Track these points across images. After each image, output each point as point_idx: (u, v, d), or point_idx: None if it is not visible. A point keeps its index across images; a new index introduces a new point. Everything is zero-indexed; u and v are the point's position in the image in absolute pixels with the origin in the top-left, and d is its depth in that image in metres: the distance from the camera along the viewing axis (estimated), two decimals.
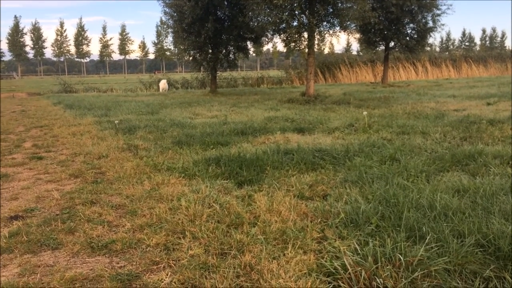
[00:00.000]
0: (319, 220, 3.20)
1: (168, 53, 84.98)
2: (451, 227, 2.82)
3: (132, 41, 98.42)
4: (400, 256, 2.45)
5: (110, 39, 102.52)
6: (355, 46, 77.96)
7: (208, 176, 4.55)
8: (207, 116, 10.22)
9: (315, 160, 5.04)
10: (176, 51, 23.18)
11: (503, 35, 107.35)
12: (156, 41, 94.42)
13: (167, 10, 18.11)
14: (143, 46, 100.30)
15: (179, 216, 3.36)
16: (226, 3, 17.30)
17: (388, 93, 15.77)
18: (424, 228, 2.81)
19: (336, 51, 59.75)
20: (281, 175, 4.52)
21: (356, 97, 14.08)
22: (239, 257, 2.65)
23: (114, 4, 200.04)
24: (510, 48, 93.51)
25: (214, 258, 2.65)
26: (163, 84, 23.16)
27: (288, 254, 2.65)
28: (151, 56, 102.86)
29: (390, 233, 2.80)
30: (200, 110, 11.58)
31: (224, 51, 18.98)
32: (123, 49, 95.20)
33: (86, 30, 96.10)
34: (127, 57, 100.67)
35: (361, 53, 35.11)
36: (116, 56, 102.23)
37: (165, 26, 20.71)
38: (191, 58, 19.57)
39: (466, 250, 2.55)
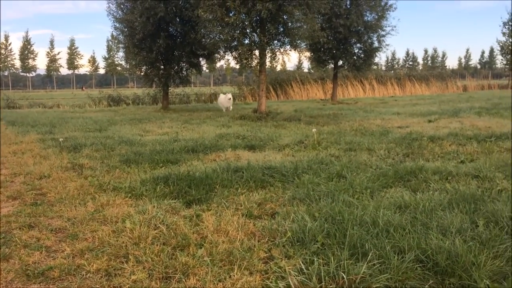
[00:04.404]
0: (266, 240, 3.20)
1: (119, 68, 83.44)
2: (393, 244, 2.91)
3: (82, 56, 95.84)
4: (343, 274, 2.49)
5: (58, 53, 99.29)
6: (306, 64, 79.95)
7: (155, 196, 4.45)
8: (157, 133, 10.05)
9: (264, 177, 5.06)
10: (127, 67, 22.66)
11: (444, 55, 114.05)
12: (107, 56, 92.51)
13: (117, 25, 17.82)
14: (93, 60, 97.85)
15: (123, 239, 3.25)
16: (178, 19, 17.26)
17: (337, 110, 16.24)
18: (367, 245, 2.88)
19: (288, 68, 60.92)
20: (230, 193, 4.50)
21: (306, 114, 14.38)
22: (184, 281, 2.59)
23: (63, 17, 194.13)
24: (450, 68, 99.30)
25: (158, 283, 2.58)
26: (225, 99, 17.08)
27: (234, 276, 2.62)
28: (102, 71, 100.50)
29: (334, 251, 2.84)
30: (150, 127, 11.38)
31: (176, 67, 18.86)
32: (71, 64, 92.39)
33: (33, 44, 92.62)
34: (76, 71, 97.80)
35: (312, 71, 36.02)
36: (64, 71, 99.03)
37: (116, 41, 20.31)
38: (142, 73, 19.28)
39: (406, 266, 2.62)
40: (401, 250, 2.84)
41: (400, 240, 2.94)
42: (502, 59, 42.01)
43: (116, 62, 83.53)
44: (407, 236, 3.00)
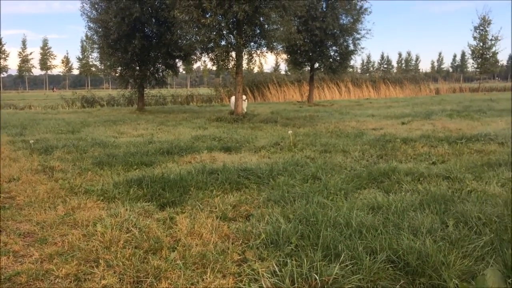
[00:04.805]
0: (240, 242, 3.18)
1: (93, 69, 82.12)
2: (365, 244, 2.93)
3: (55, 56, 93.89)
4: (316, 275, 2.49)
5: (31, 53, 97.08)
6: (283, 66, 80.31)
7: (128, 199, 4.37)
8: (132, 135, 9.91)
9: (240, 179, 5.04)
10: (102, 67, 22.24)
11: (417, 58, 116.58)
12: (81, 57, 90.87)
13: (91, 25, 17.51)
14: (66, 61, 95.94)
15: (93, 243, 3.18)
16: (154, 20, 17.08)
17: (313, 112, 16.37)
18: (340, 246, 2.90)
19: (265, 70, 61.13)
20: (205, 195, 4.46)
21: (283, 116, 14.44)
22: (156, 285, 2.55)
23: (36, 17, 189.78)
24: (424, 71, 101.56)
25: (129, 287, 2.53)
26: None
27: (207, 279, 2.59)
28: (76, 72, 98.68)
29: (308, 253, 2.85)
30: (125, 129, 11.22)
31: (152, 68, 18.65)
32: (44, 64, 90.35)
33: (4, 44, 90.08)
34: (49, 72, 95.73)
35: (289, 73, 36.22)
36: (37, 71, 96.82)
37: (90, 42, 19.92)
38: (117, 74, 19.00)
39: (378, 266, 2.65)
40: (373, 250, 2.87)
41: (372, 241, 2.97)
42: (473, 63, 43.12)
43: (91, 63, 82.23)
44: (379, 237, 3.03)
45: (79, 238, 3.31)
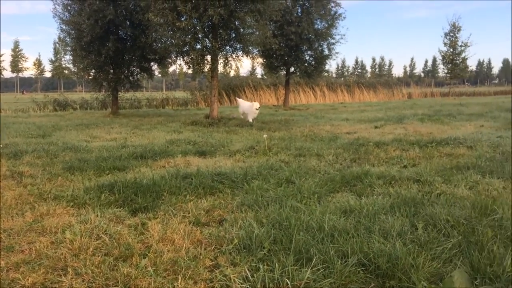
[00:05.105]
0: (213, 247, 3.16)
1: (66, 71, 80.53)
2: (337, 248, 2.96)
3: (26, 58, 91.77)
4: (287, 280, 2.50)
5: (1, 55, 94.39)
6: (259, 70, 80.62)
7: (99, 205, 4.28)
8: (105, 139, 9.75)
9: (214, 184, 5.02)
10: (75, 70, 21.77)
11: (390, 63, 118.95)
12: (53, 59, 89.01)
13: (64, 27, 17.15)
14: (38, 63, 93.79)
15: (62, 251, 3.10)
16: (128, 22, 16.86)
17: (289, 116, 16.46)
18: (312, 250, 2.91)
19: (241, 74, 61.05)
20: (178, 200, 4.42)
21: (259, 120, 14.45)
22: None
23: (6, 18, 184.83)
24: (397, 76, 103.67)
25: None
26: (252, 108, 13.42)
27: (178, 286, 2.56)
28: (48, 75, 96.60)
29: (280, 257, 2.85)
30: (98, 133, 11.02)
31: (126, 71, 18.39)
32: (15, 66, 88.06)
33: None
34: (21, 75, 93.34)
35: (265, 77, 36.33)
36: (7, 74, 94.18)
37: (63, 44, 19.47)
38: (90, 77, 18.65)
39: (349, 270, 2.68)
40: (344, 254, 2.89)
41: (344, 244, 3.00)
42: (443, 68, 44.28)
43: (64, 65, 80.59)
44: (351, 240, 3.06)
45: (47, 245, 3.23)
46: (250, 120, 13.32)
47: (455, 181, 4.95)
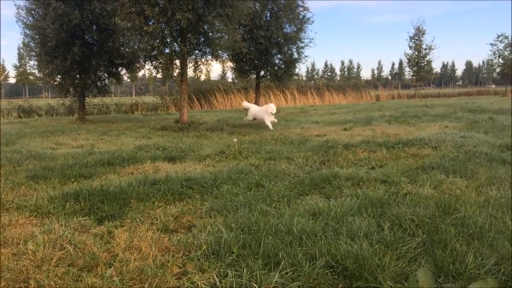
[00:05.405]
0: (181, 254, 3.12)
1: (31, 77, 78.26)
2: (305, 251, 2.97)
3: None
4: (255, 285, 2.49)
5: None
6: (230, 74, 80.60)
7: (64, 214, 4.16)
8: (71, 146, 9.50)
9: (183, 189, 4.96)
10: (40, 75, 21.15)
11: (359, 66, 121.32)
12: (18, 64, 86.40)
13: (28, 32, 16.67)
14: (2, 69, 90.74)
15: (24, 262, 2.99)
16: (94, 27, 16.54)
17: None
18: (280, 254, 2.92)
19: (212, 78, 60.81)
20: (146, 207, 4.35)
21: (229, 124, 14.42)
22: None
23: None
24: (365, 79, 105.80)
25: None
26: (267, 111, 12.15)
27: None
28: (12, 80, 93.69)
29: (249, 262, 2.84)
30: (64, 140, 10.74)
31: (93, 76, 18.02)
32: None
33: None
34: None
35: (235, 81, 36.38)
36: None
37: (27, 49, 18.87)
38: (56, 83, 18.18)
39: (317, 272, 2.69)
40: (312, 256, 2.91)
41: (312, 247, 3.02)
42: (409, 71, 45.59)
43: (28, 71, 78.40)
44: (319, 243, 3.08)
45: (8, 257, 3.11)
46: (269, 125, 11.92)
47: (420, 181, 5.07)
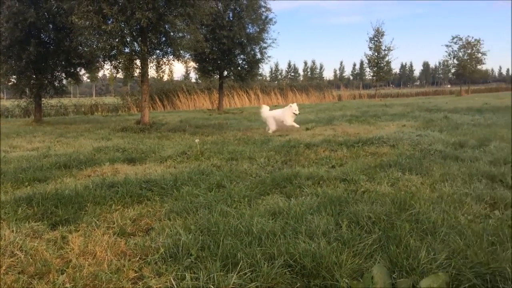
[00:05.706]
0: (138, 258, 3.05)
1: None
2: (264, 251, 2.97)
3: None
4: (212, 287, 2.46)
5: None
6: (193, 74, 79.94)
7: (16, 219, 3.98)
8: (26, 149, 9.14)
9: (142, 192, 4.86)
10: None
11: (321, 67, 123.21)
12: None
13: None
14: None
15: None
16: (51, 26, 15.98)
17: (223, 120, 16.46)
18: (239, 254, 2.90)
19: (175, 79, 60.12)
20: (103, 211, 4.23)
21: (192, 124, 14.30)
22: None
23: None
24: (327, 79, 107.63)
25: None
26: (289, 113, 11.23)
27: None
28: None
29: (207, 264, 2.81)
30: (19, 142, 10.31)
31: (50, 76, 17.40)
32: None
33: None
34: None
35: (199, 81, 36.13)
36: None
37: None
38: (10, 83, 17.45)
39: (275, 272, 2.69)
40: (271, 256, 2.91)
41: (271, 247, 3.02)
42: (370, 71, 46.68)
43: None
44: (278, 242, 3.09)
45: None
46: (294, 124, 11.23)
47: (378, 179, 5.18)
